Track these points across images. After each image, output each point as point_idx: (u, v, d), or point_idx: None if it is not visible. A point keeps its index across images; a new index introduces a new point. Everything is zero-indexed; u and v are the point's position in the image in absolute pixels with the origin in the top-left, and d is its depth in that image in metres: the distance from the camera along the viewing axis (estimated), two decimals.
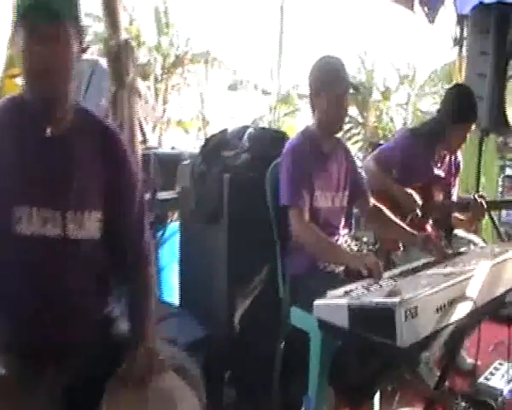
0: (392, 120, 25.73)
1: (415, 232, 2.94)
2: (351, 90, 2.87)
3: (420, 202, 3.43)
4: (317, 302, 2.16)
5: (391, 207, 3.30)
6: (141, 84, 5.52)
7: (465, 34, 5.77)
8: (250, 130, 3.28)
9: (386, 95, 25.92)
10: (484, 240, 3.96)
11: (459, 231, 3.75)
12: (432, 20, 6.38)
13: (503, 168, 10.93)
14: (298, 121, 23.99)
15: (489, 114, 4.53)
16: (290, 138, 2.92)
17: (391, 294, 1.93)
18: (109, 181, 1.81)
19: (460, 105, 3.50)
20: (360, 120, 25.82)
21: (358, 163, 3.33)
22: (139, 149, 3.56)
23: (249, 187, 2.97)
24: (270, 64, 21.65)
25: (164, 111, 20.99)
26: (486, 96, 4.54)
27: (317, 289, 2.31)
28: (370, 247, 3.15)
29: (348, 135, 25.89)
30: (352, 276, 2.55)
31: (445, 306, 1.99)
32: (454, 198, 3.81)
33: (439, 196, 3.68)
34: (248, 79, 22.90)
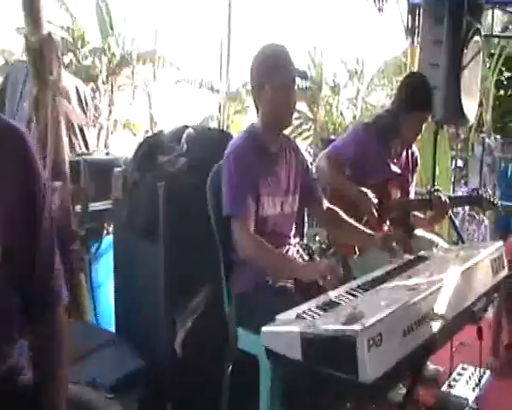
0: (342, 114, 25.69)
1: (372, 233, 2.67)
2: (300, 82, 2.57)
3: (376, 201, 3.18)
4: (264, 329, 1.85)
5: (345, 208, 3.07)
6: (81, 86, 5.12)
7: (417, 24, 5.59)
8: (189, 131, 2.95)
9: (335, 90, 25.88)
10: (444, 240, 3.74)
11: (419, 231, 3.51)
12: (381, 9, 6.18)
13: (453, 159, 10.91)
14: (248, 119, 23.77)
15: (444, 104, 4.29)
16: (233, 138, 2.60)
17: (350, 319, 1.64)
18: (8, 203, 1.42)
19: (414, 93, 3.26)
20: (310, 115, 25.71)
21: (310, 162, 3.06)
22: (65, 155, 3.19)
23: (188, 196, 2.65)
24: (218, 61, 21.14)
25: (110, 113, 20.41)
26: (441, 86, 4.30)
27: (265, 308, 2.09)
28: (323, 246, 2.88)
29: (299, 130, 25.78)
30: (304, 291, 2.27)
31: (412, 327, 1.72)
32: (412, 196, 3.57)
33: (397, 194, 3.43)
34: (196, 78, 22.47)
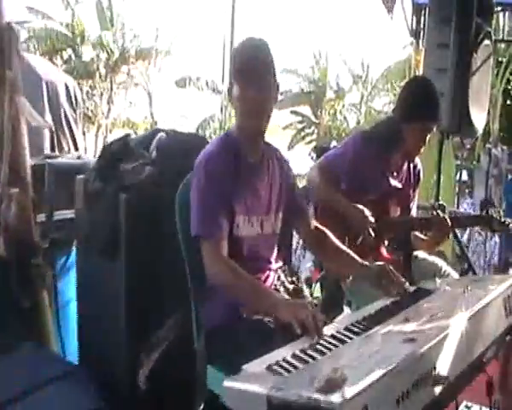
0: (345, 119, 25.43)
1: (365, 263, 2.32)
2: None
3: (372, 219, 2.84)
4: (227, 384, 1.50)
5: (338, 227, 2.75)
6: (71, 82, 4.80)
7: (422, 25, 5.22)
8: (160, 135, 2.60)
9: (339, 94, 25.63)
10: (448, 263, 3.39)
11: (420, 253, 3.16)
12: (390, 10, 5.83)
13: (457, 170, 10.55)
14: None
15: (450, 113, 3.93)
16: (205, 148, 2.24)
17: (329, 384, 1.29)
18: None
19: (418, 100, 2.91)
20: (313, 119, 25.45)
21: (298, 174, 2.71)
22: (26, 158, 2.84)
23: (154, 210, 2.30)
24: (221, 61, 20.95)
25: (109, 111, 20.13)
26: (447, 93, 3.94)
27: (239, 346, 1.89)
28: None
29: (302, 134, 25.55)
30: (286, 328, 1.92)
31: (407, 393, 1.38)
32: (413, 213, 3.22)
33: (396, 212, 3.09)
34: (198, 76, 22.15)
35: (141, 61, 21.57)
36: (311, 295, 4.71)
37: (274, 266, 2.28)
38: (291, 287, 2.27)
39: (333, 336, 1.72)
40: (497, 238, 7.33)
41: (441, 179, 4.82)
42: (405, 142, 2.95)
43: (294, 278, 2.32)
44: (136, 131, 20.60)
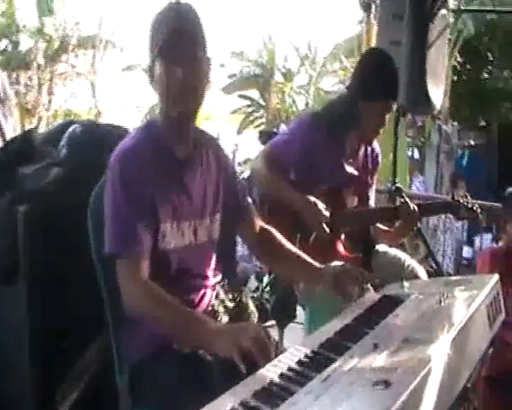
0: (294, 102, 25.12)
1: (319, 267, 1.96)
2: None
3: (327, 213, 2.48)
4: None
5: (288, 223, 2.45)
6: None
7: None
8: (73, 128, 2.16)
9: (287, 76, 25.31)
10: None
11: (381, 247, 2.82)
12: None
13: (409, 148, 10.34)
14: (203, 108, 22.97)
15: (407, 89, 3.59)
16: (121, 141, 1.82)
17: None
18: None
19: (378, 76, 2.56)
20: (262, 102, 25.07)
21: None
22: None
23: (63, 222, 1.87)
24: None
25: (49, 102, 19.27)
26: (403, 67, 3.59)
27: (168, 385, 1.60)
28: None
29: (250, 118, 25.15)
30: (225, 361, 1.54)
31: None
32: (372, 202, 2.88)
33: (353, 202, 2.74)
34: (145, 64, 21.44)
35: (83, 49, 20.73)
36: (263, 290, 4.35)
37: (211, 281, 1.89)
38: (232, 305, 1.88)
39: (285, 377, 1.35)
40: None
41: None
42: (362, 123, 2.60)
43: (237, 294, 1.94)
44: None
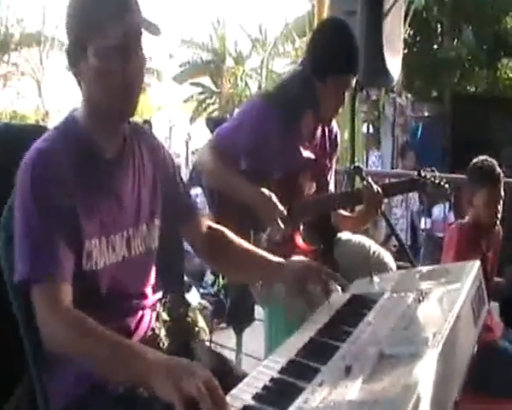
0: (247, 85, 24.82)
1: (280, 262, 1.71)
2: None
3: (281, 207, 2.23)
4: None
5: (240, 219, 2.20)
6: None
7: None
8: None
9: (238, 60, 25.00)
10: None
11: (344, 234, 2.58)
12: None
13: (363, 123, 10.15)
14: (149, 99, 22.46)
15: (364, 62, 3.30)
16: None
17: None
18: None
19: (336, 49, 2.29)
20: (214, 89, 24.72)
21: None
22: None
23: None
24: None
25: None
26: (359, 39, 3.29)
27: None
28: None
29: (203, 106, 24.78)
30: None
31: None
32: (332, 186, 2.63)
33: (311, 188, 2.48)
34: None
35: (26, 47, 20.01)
36: (219, 291, 4.08)
37: (150, 300, 1.60)
38: (176, 327, 1.60)
39: None
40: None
41: (347, 138, 4.29)
42: (319, 102, 2.34)
43: (183, 310, 1.66)
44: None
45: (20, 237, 1.37)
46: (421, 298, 1.44)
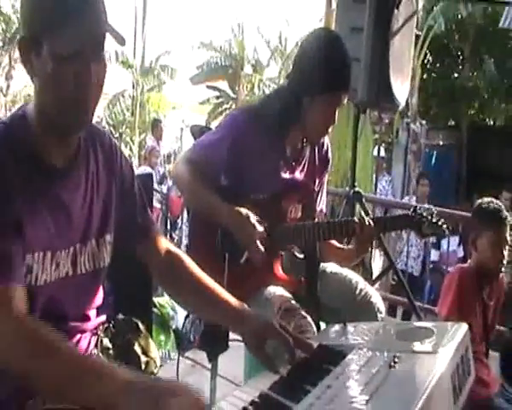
0: (264, 94, 24.75)
1: (240, 311, 1.51)
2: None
3: (261, 228, 2.04)
4: None
5: (215, 242, 2.07)
6: None
7: None
8: None
9: (257, 68, 24.95)
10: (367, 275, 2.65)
11: (330, 266, 2.39)
12: None
13: (375, 146, 9.98)
14: (164, 97, 22.32)
15: (368, 82, 3.15)
16: None
17: None
18: None
19: (325, 63, 2.08)
20: (231, 94, 24.66)
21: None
22: None
23: None
24: (132, 33, 19.88)
25: (8, 87, 18.54)
26: (364, 57, 3.16)
27: None
28: None
29: (219, 110, 24.72)
30: None
31: None
32: (323, 207, 2.45)
33: (297, 212, 2.29)
34: (107, 50, 20.77)
35: None
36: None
37: (92, 323, 1.42)
38: (115, 354, 1.42)
39: None
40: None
41: (357, 160, 4.09)
42: (307, 119, 2.16)
43: (129, 337, 1.48)
44: None
45: None
46: (392, 363, 1.23)
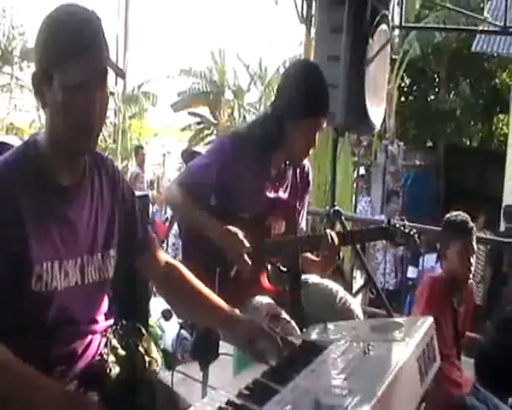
0: (244, 119, 24.98)
1: (233, 315, 1.70)
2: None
3: (247, 244, 2.23)
4: None
5: (206, 257, 2.24)
6: None
7: (314, 11, 4.67)
8: None
9: (237, 93, 25.18)
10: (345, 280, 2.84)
11: (312, 277, 2.58)
12: None
13: (355, 168, 10.23)
14: (146, 124, 22.45)
15: (345, 107, 3.36)
16: None
17: None
18: None
19: (305, 90, 2.30)
20: (212, 120, 24.85)
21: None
22: None
23: None
24: (113, 59, 19.76)
25: None
26: (341, 84, 3.37)
27: None
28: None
29: (201, 136, 24.89)
30: None
31: None
32: (303, 225, 2.65)
33: (281, 228, 2.49)
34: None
35: (26, 61, 20.10)
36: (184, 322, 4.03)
37: (101, 326, 1.60)
38: (123, 353, 1.60)
39: None
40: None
41: (337, 181, 4.30)
42: (290, 143, 2.36)
43: (136, 339, 1.66)
44: (22, 136, 19.20)
45: None
46: (366, 350, 1.43)
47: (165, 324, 4.84)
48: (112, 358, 1.58)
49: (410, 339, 1.47)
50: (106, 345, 1.61)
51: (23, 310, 1.38)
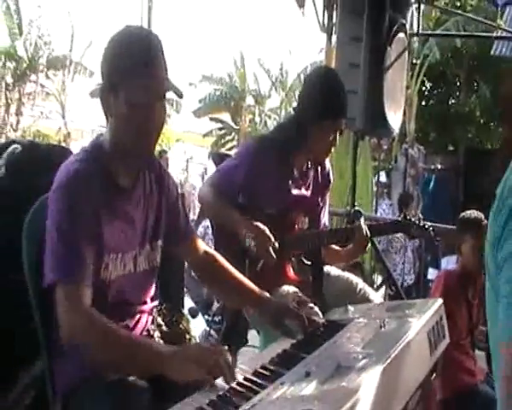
0: (266, 124, 25.21)
1: (265, 296, 1.92)
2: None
3: (272, 239, 2.43)
4: None
5: (236, 249, 2.42)
6: None
7: (334, 20, 4.90)
8: (13, 148, 2.10)
9: (258, 99, 25.42)
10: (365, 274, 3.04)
11: (333, 270, 2.78)
12: (302, 4, 5.52)
13: (376, 172, 10.37)
14: (169, 130, 22.82)
15: (364, 112, 3.58)
16: (66, 161, 1.72)
17: None
18: None
19: (326, 95, 2.50)
20: (234, 125, 25.11)
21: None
22: None
23: None
24: None
25: (18, 123, 19.06)
26: (361, 90, 3.59)
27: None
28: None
29: (222, 141, 25.17)
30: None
31: None
32: (326, 221, 2.85)
33: (304, 224, 2.69)
34: None
35: (53, 70, 20.56)
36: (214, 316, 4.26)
37: (148, 306, 1.83)
38: (167, 330, 1.83)
39: (213, 404, 1.30)
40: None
41: (357, 183, 4.50)
42: (312, 144, 2.57)
43: (176, 318, 1.89)
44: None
45: (52, 242, 1.58)
46: (382, 325, 1.64)
47: (191, 321, 5.06)
48: (157, 333, 1.81)
49: (421, 316, 1.67)
50: (152, 322, 1.83)
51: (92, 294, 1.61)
